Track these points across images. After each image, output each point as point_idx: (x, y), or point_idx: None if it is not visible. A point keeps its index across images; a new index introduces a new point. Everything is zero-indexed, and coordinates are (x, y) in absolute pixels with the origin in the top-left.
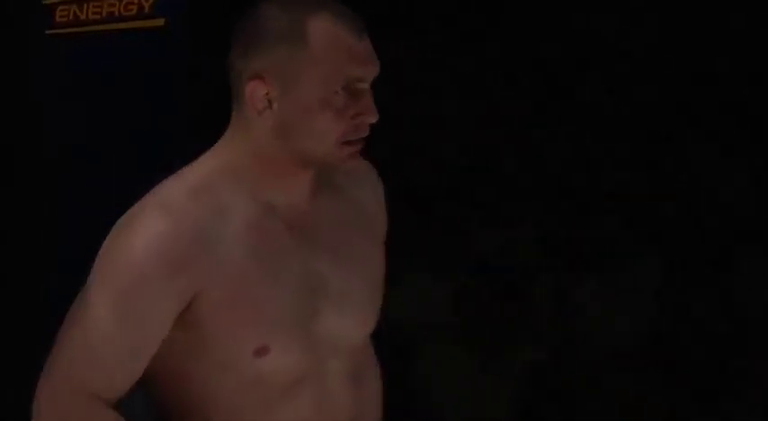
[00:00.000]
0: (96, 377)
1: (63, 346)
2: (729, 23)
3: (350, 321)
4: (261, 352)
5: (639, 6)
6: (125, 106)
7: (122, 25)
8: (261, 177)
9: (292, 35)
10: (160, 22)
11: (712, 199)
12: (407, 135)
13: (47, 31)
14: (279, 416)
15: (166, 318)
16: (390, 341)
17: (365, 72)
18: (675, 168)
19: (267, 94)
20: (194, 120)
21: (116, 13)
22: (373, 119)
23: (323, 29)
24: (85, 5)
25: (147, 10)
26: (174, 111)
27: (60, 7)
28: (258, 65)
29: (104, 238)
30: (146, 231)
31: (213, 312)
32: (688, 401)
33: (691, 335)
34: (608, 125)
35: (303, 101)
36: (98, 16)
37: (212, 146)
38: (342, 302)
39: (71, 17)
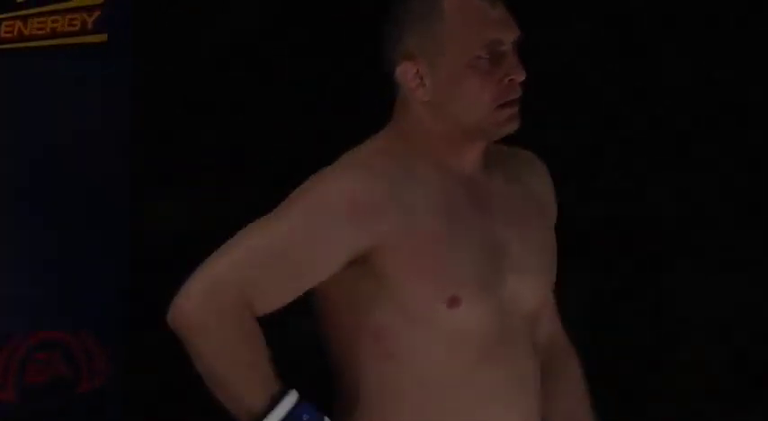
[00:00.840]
0: (255, 282)
1: (231, 249)
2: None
3: (529, 288)
4: (453, 302)
5: None
6: (68, 121)
7: (66, 41)
8: (435, 148)
9: (430, 12)
10: (103, 37)
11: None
12: None
13: None
14: (476, 381)
15: (340, 255)
16: None
17: (502, 34)
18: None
19: (417, 71)
20: (137, 135)
21: (59, 29)
22: (521, 76)
23: (456, 1)
24: (30, 21)
25: (89, 26)
26: (116, 126)
27: (5, 23)
28: (404, 47)
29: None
30: (341, 178)
31: (401, 263)
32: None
33: (617, 346)
34: None
35: (450, 71)
36: (42, 32)
37: (155, 159)
38: (521, 270)
39: (15, 33)
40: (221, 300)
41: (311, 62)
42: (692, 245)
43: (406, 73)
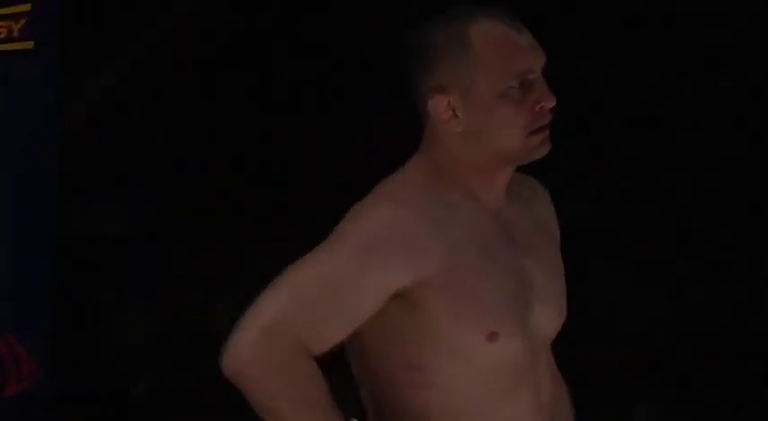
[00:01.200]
0: (308, 325)
1: (279, 292)
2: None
3: (550, 315)
4: (493, 337)
5: None
6: None
7: None
8: (466, 179)
9: (458, 44)
10: (29, 44)
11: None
12: None
13: None
14: (503, 410)
15: (388, 290)
16: None
17: (531, 62)
18: None
19: (449, 103)
20: (64, 139)
21: None
22: (551, 103)
23: (483, 31)
24: None
25: (16, 33)
26: (44, 130)
27: None
28: (435, 79)
29: None
30: (386, 214)
31: (443, 298)
32: None
33: None
34: None
35: (483, 102)
36: None
37: (79, 165)
38: (544, 296)
39: None
40: (276, 348)
41: (241, 64)
42: (606, 246)
43: (437, 106)
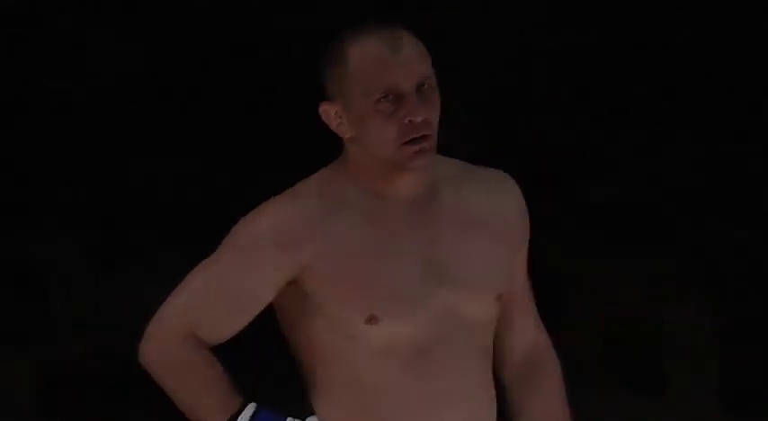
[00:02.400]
0: (203, 321)
1: (178, 294)
2: None
3: (468, 301)
4: (371, 319)
5: None
6: None
7: None
8: (367, 177)
9: (340, 60)
10: None
11: None
12: None
13: None
14: (402, 391)
15: (272, 283)
16: None
17: (401, 79)
18: None
19: (336, 112)
20: None
21: None
22: (417, 117)
23: (358, 50)
24: None
25: None
26: None
27: None
28: (326, 90)
29: None
30: (271, 210)
31: (324, 284)
32: None
33: None
34: None
35: (358, 113)
36: None
37: None
38: (459, 284)
39: None
40: (168, 341)
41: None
42: None
43: (326, 113)
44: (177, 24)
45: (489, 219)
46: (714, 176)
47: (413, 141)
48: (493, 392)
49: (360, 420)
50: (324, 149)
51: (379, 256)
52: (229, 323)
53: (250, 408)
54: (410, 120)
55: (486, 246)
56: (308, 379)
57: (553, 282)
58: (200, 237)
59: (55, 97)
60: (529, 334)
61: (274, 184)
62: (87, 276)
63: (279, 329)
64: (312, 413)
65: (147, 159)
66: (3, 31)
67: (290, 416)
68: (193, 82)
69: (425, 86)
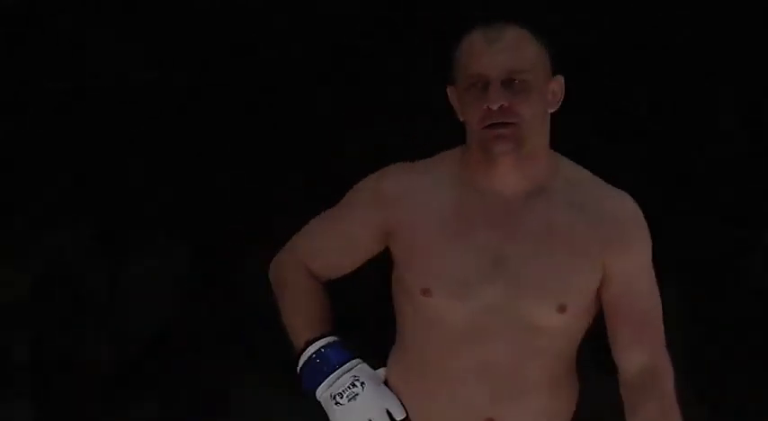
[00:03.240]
0: (315, 255)
1: (303, 231)
2: None
3: (524, 299)
4: (425, 292)
5: None
6: None
7: None
8: (474, 166)
9: (456, 48)
10: None
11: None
12: None
13: None
14: (444, 362)
15: (368, 234)
16: None
17: (486, 69)
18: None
19: (452, 95)
20: None
21: None
22: (494, 104)
23: (467, 40)
24: None
25: None
26: None
27: None
28: (450, 74)
29: None
30: (385, 173)
31: (400, 249)
32: None
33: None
34: None
35: (459, 96)
36: None
37: None
38: (518, 282)
39: None
40: (286, 265)
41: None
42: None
43: (450, 96)
44: (177, 24)
45: (577, 234)
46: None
47: (492, 126)
48: (548, 394)
49: (410, 382)
50: (323, 149)
51: (451, 240)
52: (336, 261)
53: (326, 339)
54: (488, 107)
55: (560, 259)
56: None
57: None
58: (201, 235)
59: (55, 97)
60: (640, 357)
61: (273, 184)
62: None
63: None
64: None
65: (147, 159)
66: (3, 31)
67: (364, 360)
68: (193, 82)
69: (516, 81)
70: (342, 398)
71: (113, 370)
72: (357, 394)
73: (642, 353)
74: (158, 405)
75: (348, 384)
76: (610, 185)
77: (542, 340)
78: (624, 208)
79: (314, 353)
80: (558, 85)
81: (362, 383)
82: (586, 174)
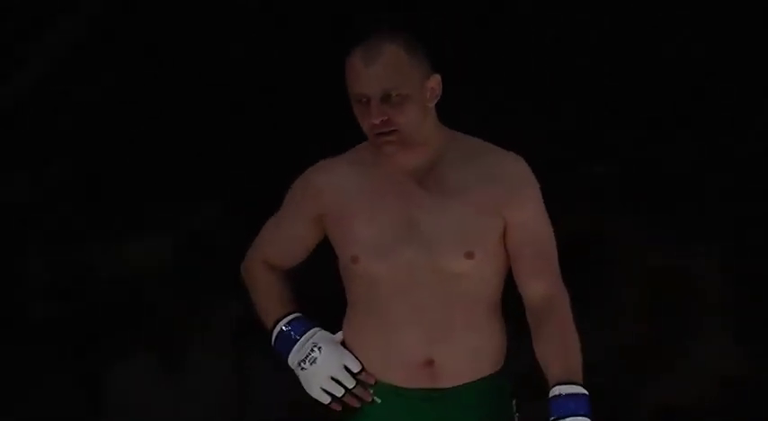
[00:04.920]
0: (271, 251)
1: (258, 235)
2: None
3: (436, 252)
4: (354, 260)
5: None
6: None
7: None
8: (377, 153)
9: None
10: None
11: None
12: None
13: None
14: (383, 312)
15: (308, 222)
16: None
17: (362, 90)
18: None
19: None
20: None
21: None
22: (375, 120)
23: (348, 61)
24: None
25: None
26: None
27: None
28: None
29: None
30: (311, 169)
31: (330, 226)
32: None
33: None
34: None
35: (353, 107)
36: None
37: None
38: (429, 239)
39: None
40: (250, 263)
41: None
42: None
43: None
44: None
45: (474, 190)
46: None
47: (379, 134)
48: (476, 334)
49: (358, 337)
50: (323, 149)
51: (369, 213)
52: (290, 252)
53: (290, 316)
54: (371, 122)
55: (462, 214)
56: None
57: None
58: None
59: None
60: (538, 287)
61: (274, 183)
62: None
63: None
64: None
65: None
66: None
67: (324, 329)
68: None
69: (393, 95)
70: (305, 363)
71: None
72: (316, 358)
73: (541, 284)
74: None
75: (308, 350)
76: (503, 149)
77: (460, 285)
78: (516, 167)
79: (280, 330)
80: (435, 82)
81: (320, 348)
82: (480, 142)
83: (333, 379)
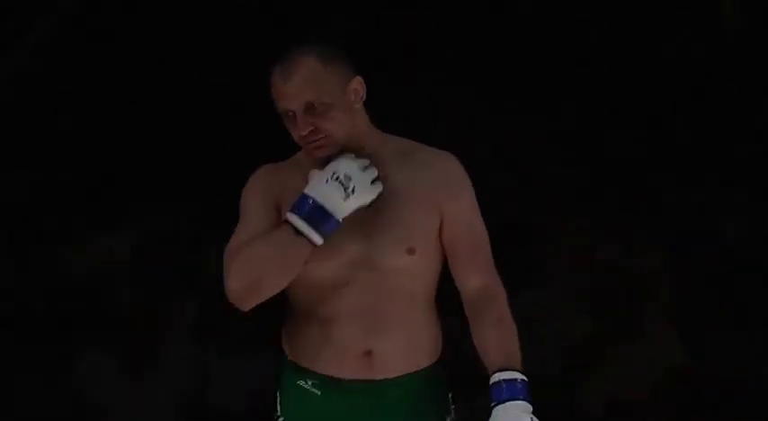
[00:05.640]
0: (240, 236)
1: (230, 242)
2: None
3: (381, 251)
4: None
5: None
6: None
7: None
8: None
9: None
10: None
11: None
12: None
13: None
14: (327, 309)
15: (272, 211)
16: None
17: (288, 104)
18: None
19: None
20: None
21: None
22: (302, 131)
23: (271, 80)
24: None
25: None
26: None
27: None
28: None
29: None
30: (258, 173)
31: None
32: None
33: None
34: None
35: (282, 118)
36: None
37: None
38: (372, 237)
39: None
40: (230, 253)
41: None
42: None
43: None
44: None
45: (412, 188)
46: None
47: (310, 143)
48: (413, 327)
49: (298, 331)
50: None
51: None
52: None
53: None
54: (299, 134)
55: (403, 211)
56: None
57: None
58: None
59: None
60: (474, 280)
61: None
62: None
63: None
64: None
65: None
66: None
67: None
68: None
69: (316, 105)
70: (348, 191)
71: None
72: (350, 177)
73: (477, 277)
74: None
75: (337, 184)
76: (436, 149)
77: (399, 279)
78: (450, 164)
79: (293, 216)
80: (357, 83)
81: (342, 173)
82: (413, 142)
83: (364, 167)
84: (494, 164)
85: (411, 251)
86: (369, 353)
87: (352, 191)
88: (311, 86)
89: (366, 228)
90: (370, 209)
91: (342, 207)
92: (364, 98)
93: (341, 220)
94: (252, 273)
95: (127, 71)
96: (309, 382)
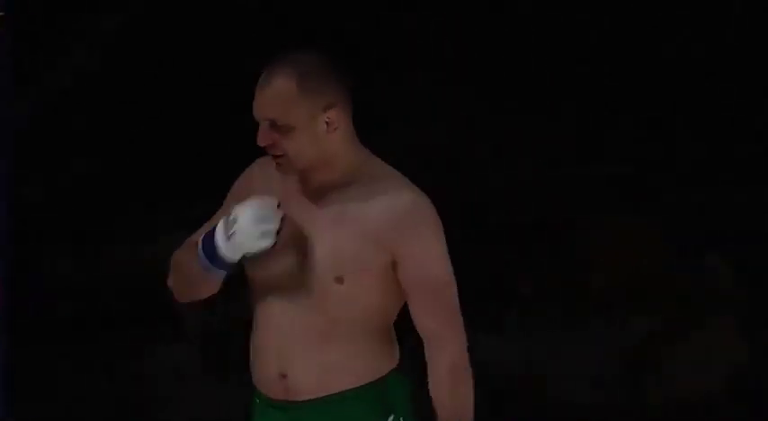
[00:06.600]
0: (198, 233)
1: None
2: None
3: (306, 278)
4: (244, 258)
5: None
6: None
7: None
8: None
9: None
10: None
11: None
12: None
13: None
14: (258, 330)
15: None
16: None
17: (255, 112)
18: None
19: None
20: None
21: None
22: (260, 143)
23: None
24: None
25: None
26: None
27: None
28: None
29: None
30: (246, 171)
31: None
32: None
33: None
34: None
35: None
36: None
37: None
38: (305, 257)
39: None
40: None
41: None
42: None
43: None
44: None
45: (367, 222)
46: None
47: (272, 155)
48: (334, 351)
49: (252, 345)
50: None
51: None
52: None
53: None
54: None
55: (345, 240)
56: None
57: None
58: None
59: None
60: (427, 324)
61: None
62: None
63: None
64: None
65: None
66: None
67: None
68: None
69: (278, 124)
70: (230, 230)
71: None
72: (236, 217)
73: (432, 321)
74: None
75: (226, 223)
76: (411, 184)
77: (324, 305)
78: (415, 205)
79: (200, 241)
80: (333, 114)
81: (233, 213)
82: (390, 172)
83: (260, 218)
84: (494, 164)
85: (339, 280)
86: (284, 376)
87: (231, 236)
88: (278, 105)
89: (303, 248)
90: (315, 229)
91: (225, 247)
92: (340, 129)
93: (227, 260)
94: (173, 278)
95: (126, 71)
96: (257, 400)
